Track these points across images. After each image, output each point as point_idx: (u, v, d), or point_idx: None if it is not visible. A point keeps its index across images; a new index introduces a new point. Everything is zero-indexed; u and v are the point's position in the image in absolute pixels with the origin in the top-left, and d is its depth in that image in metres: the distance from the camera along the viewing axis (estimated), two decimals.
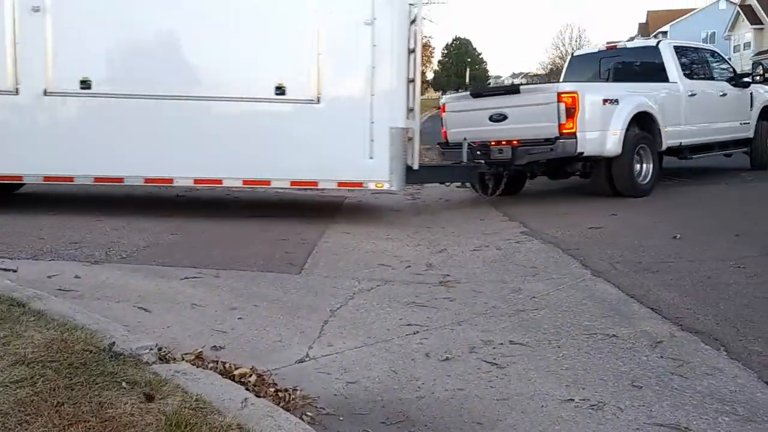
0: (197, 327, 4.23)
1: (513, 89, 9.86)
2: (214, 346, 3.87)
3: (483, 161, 9.27)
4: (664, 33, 53.63)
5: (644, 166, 9.68)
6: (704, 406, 3.09)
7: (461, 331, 4.23)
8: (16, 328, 3.42)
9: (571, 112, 8.75)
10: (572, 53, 14.42)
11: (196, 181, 8.09)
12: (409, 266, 6.07)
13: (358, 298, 4.99)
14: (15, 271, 5.24)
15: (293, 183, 8.13)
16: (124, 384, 2.82)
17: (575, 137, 8.77)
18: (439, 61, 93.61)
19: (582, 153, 8.92)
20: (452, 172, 9.65)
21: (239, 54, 7.70)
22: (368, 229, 8.02)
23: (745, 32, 44.35)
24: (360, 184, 8.06)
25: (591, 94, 9.13)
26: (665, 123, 9.81)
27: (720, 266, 5.55)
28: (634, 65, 11.05)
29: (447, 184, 11.23)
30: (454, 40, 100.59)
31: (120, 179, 8.01)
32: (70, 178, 8.00)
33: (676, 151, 10.56)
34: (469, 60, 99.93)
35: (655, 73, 10.50)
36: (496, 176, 9.73)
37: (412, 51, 7.87)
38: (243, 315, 4.50)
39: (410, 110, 7.99)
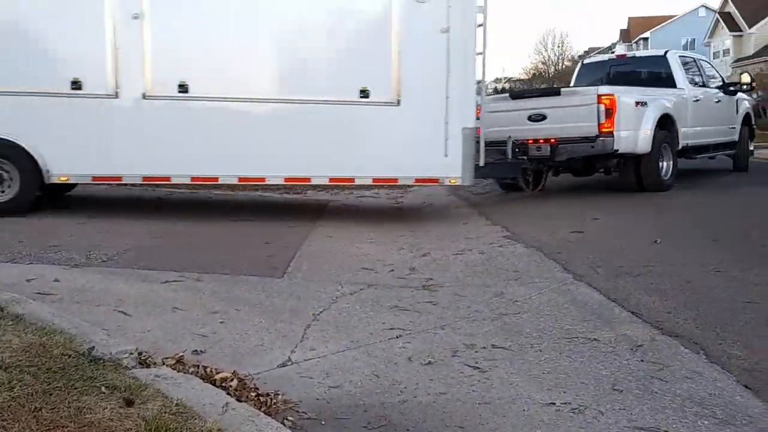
0: (178, 331, 4.20)
1: (553, 91, 10.75)
2: (195, 350, 3.85)
3: (525, 158, 10.05)
4: (645, 39, 54.19)
5: (666, 163, 10.64)
6: (684, 410, 3.11)
7: (444, 335, 4.24)
8: None
9: (609, 113, 9.64)
10: (581, 61, 15.02)
11: (286, 179, 8.60)
12: (393, 270, 6.07)
13: (341, 302, 4.98)
14: None
15: (375, 180, 8.77)
16: (103, 389, 2.79)
17: (613, 136, 9.66)
18: None
19: (617, 150, 9.81)
20: (503, 168, 9.95)
21: (328, 59, 8.22)
22: (352, 233, 8.01)
23: (725, 39, 44.89)
24: (436, 180, 8.62)
25: (625, 97, 9.98)
26: (679, 125, 10.81)
27: (700, 270, 5.61)
28: (643, 73, 11.69)
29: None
30: None
31: (215, 178, 8.49)
32: (167, 178, 8.47)
33: (683, 151, 11.28)
34: None
35: (664, 80, 11.35)
36: (535, 172, 10.68)
37: (479, 54, 8.40)
38: (225, 319, 4.48)
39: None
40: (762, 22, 41.63)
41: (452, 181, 8.41)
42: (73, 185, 8.72)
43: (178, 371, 3.32)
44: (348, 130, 8.26)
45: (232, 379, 3.34)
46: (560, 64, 57.39)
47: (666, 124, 10.45)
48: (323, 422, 3.05)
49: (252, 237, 7.61)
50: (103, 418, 2.50)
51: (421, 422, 3.06)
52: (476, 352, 3.90)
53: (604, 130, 9.65)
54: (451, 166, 8.24)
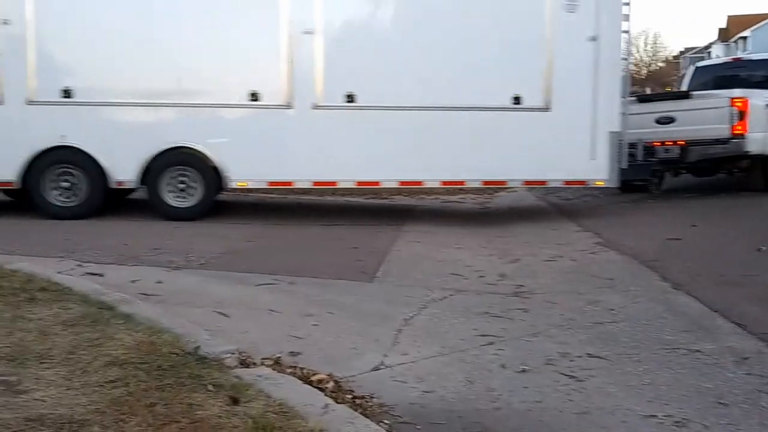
0: (274, 332, 4.32)
1: (683, 95, 10.74)
2: (291, 352, 3.94)
3: (653, 160, 10.25)
4: (744, 38, 51.66)
5: None
6: None
7: (537, 342, 4.19)
8: (107, 330, 3.58)
9: (742, 116, 9.93)
10: (696, 65, 14.87)
11: (443, 183, 9.02)
12: (482, 276, 6.04)
13: (432, 307, 5.00)
14: (102, 275, 5.48)
15: (526, 182, 9.33)
16: (210, 386, 2.91)
17: (745, 137, 9.91)
18: None
19: (749, 152, 10.05)
20: (635, 170, 9.87)
21: (483, 68, 8.64)
22: (439, 238, 8.03)
23: None
24: (584, 182, 9.03)
25: (755, 100, 10.19)
26: None
27: None
28: (758, 76, 11.43)
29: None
30: None
31: (377, 183, 9.08)
32: (334, 183, 9.00)
33: None
34: None
35: None
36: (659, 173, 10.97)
37: (623, 59, 8.87)
38: (318, 322, 4.57)
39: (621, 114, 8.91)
40: None
41: (599, 182, 8.89)
42: (132, 190, 9.08)
43: (277, 372, 3.41)
44: (500, 136, 8.71)
45: (328, 381, 3.41)
46: (653, 65, 55.44)
47: None
48: (419, 426, 3.07)
49: (341, 241, 7.74)
50: (212, 415, 2.61)
51: (518, 430, 3.04)
52: (571, 360, 3.84)
53: (736, 132, 9.91)
54: (598, 168, 8.72)
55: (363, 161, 8.59)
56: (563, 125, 8.64)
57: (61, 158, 8.27)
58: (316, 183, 8.82)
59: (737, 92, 10.25)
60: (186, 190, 8.53)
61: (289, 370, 3.56)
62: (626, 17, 8.64)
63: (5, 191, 9.10)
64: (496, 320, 4.66)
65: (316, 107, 8.47)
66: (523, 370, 3.70)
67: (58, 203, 8.34)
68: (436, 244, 7.61)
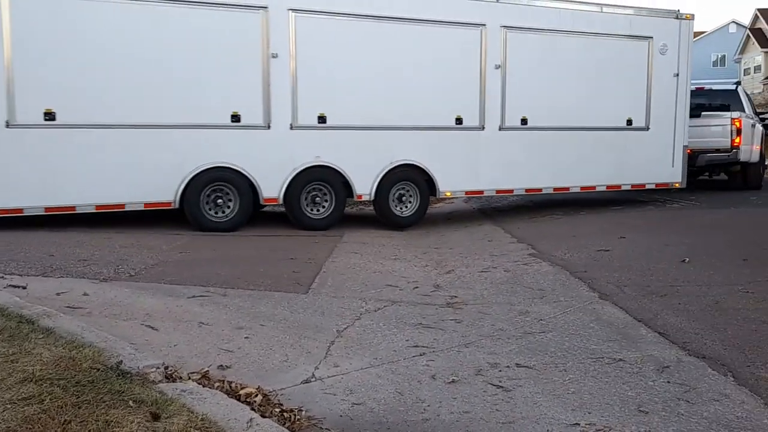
0: (204, 346, 4.24)
1: (693, 114, 12.65)
2: (221, 365, 3.88)
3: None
4: None
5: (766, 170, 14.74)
6: None
7: (468, 353, 4.23)
8: (25, 345, 3.45)
9: (738, 132, 13.26)
10: None
11: (582, 188, 11.25)
12: (417, 287, 6.07)
13: (365, 318, 5.00)
14: (24, 288, 5.29)
15: (633, 186, 11.72)
16: (130, 402, 2.83)
17: (739, 149, 13.28)
18: None
19: (740, 159, 13.41)
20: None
21: (607, 98, 11.28)
22: (376, 249, 8.04)
23: (756, 55, 44.34)
24: (667, 185, 11.88)
25: (745, 119, 13.51)
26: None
27: (728, 291, 5.53)
28: (714, 103, 13.74)
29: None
30: None
31: (539, 190, 10.98)
32: (511, 191, 10.87)
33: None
34: None
35: (735, 108, 13.78)
36: None
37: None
38: (250, 334, 4.52)
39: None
40: None
41: (676, 185, 11.84)
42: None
43: (204, 386, 3.35)
44: (618, 150, 11.38)
45: (256, 395, 3.36)
46: None
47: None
48: None
49: (277, 252, 7.67)
50: None
51: None
52: (500, 371, 3.89)
53: (734, 144, 13.23)
54: (675, 174, 11.81)
55: (531, 173, 10.71)
56: (656, 141, 11.64)
57: (316, 176, 9.44)
58: (498, 191, 10.74)
59: (735, 114, 13.35)
60: (404, 201, 10.08)
61: (217, 384, 3.51)
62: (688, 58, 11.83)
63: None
64: (428, 331, 4.69)
65: (501, 129, 10.46)
66: (453, 381, 3.73)
67: (309, 214, 9.53)
68: (373, 255, 7.61)
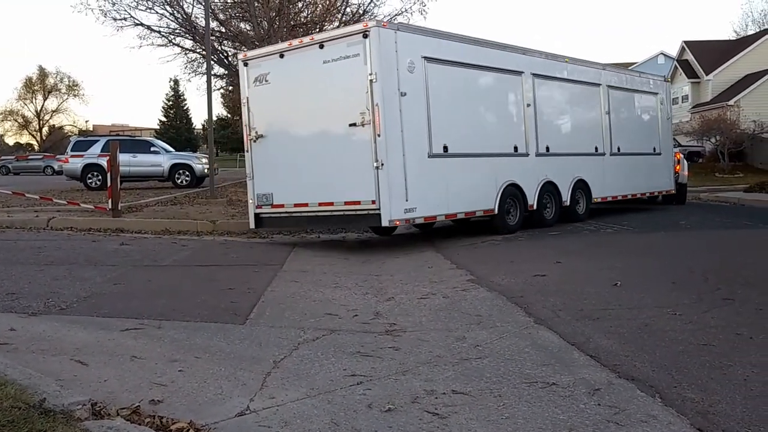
0: (136, 380, 4.13)
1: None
2: (153, 400, 3.78)
3: None
4: None
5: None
6: None
7: (405, 380, 4.24)
8: None
9: (679, 161, 18.12)
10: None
11: (622, 196, 15.59)
12: (356, 315, 6.07)
13: (303, 348, 4.96)
14: None
15: (650, 194, 16.81)
16: None
17: (679, 174, 18.06)
18: None
19: (680, 182, 18.12)
20: None
21: (640, 134, 16.55)
22: (317, 278, 8.01)
23: (683, 85, 46.26)
24: (670, 191, 17.60)
25: (681, 151, 20.63)
26: None
27: (658, 313, 5.70)
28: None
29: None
30: None
31: (616, 197, 15.32)
32: (606, 198, 14.97)
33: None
34: None
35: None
36: None
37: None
38: (184, 367, 4.42)
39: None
40: (718, 70, 43.04)
41: (671, 192, 17.41)
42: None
43: (133, 422, 3.27)
44: (646, 169, 16.54)
45: (188, 430, 3.30)
46: None
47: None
48: None
49: (215, 282, 7.57)
50: None
51: None
52: (436, 398, 3.90)
53: (676, 170, 17.85)
54: (671, 185, 17.49)
55: (618, 185, 15.29)
56: (664, 163, 17.40)
57: (547, 188, 13.03)
58: (605, 198, 14.86)
59: (676, 149, 19.72)
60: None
61: (147, 420, 3.42)
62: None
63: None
64: (366, 359, 4.68)
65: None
66: (389, 410, 3.72)
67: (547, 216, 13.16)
68: (313, 284, 7.58)
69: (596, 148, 14.55)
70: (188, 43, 18.71)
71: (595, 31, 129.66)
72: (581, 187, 13.83)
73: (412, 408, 3.76)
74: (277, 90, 10.89)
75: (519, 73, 12.58)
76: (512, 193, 12.08)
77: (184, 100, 72.90)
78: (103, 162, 17.21)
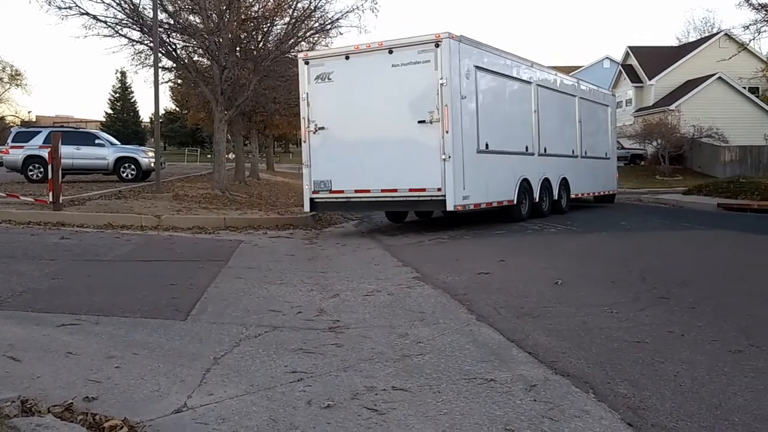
0: (70, 377, 4.04)
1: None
2: (87, 397, 3.70)
3: None
4: None
5: None
6: None
7: (346, 377, 4.24)
8: None
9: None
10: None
11: (578, 195, 17.57)
12: (300, 312, 6.05)
13: (244, 345, 4.92)
14: None
15: (605, 192, 19.61)
16: None
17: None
18: None
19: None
20: None
21: (595, 139, 18.78)
22: (262, 274, 7.95)
23: (627, 90, 47.42)
24: (613, 191, 20.69)
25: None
26: None
27: (595, 311, 5.84)
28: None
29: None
30: None
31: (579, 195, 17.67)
32: (578, 196, 17.50)
33: None
34: None
35: None
36: None
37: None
38: (121, 364, 4.34)
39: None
40: (660, 75, 44.27)
41: (615, 192, 20.48)
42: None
43: (65, 419, 3.19)
44: (599, 171, 18.89)
45: (121, 427, 3.24)
46: None
47: None
48: None
49: (158, 278, 7.44)
50: None
51: None
52: (376, 394, 3.93)
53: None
54: (615, 186, 20.32)
55: (582, 185, 17.53)
56: (612, 166, 20.14)
57: (545, 184, 15.07)
58: (579, 194, 17.44)
59: (618, 152, 26.48)
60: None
61: (80, 417, 3.35)
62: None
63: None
64: (308, 356, 4.67)
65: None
66: (329, 406, 3.73)
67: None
68: (258, 280, 7.52)
69: (573, 151, 16.94)
70: (135, 35, 18.22)
71: (542, 34, 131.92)
72: (564, 184, 16.01)
73: (351, 404, 3.77)
74: (341, 87, 12.25)
75: (529, 83, 14.67)
76: (524, 187, 13.98)
77: (132, 92, 71.39)
78: (45, 154, 16.72)
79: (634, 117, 44.72)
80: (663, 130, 36.69)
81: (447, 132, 11.35)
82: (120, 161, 22.57)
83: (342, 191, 12.28)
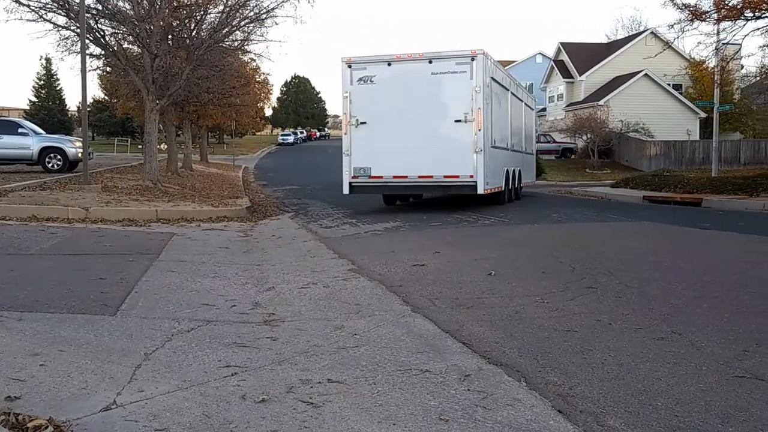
0: None
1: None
2: (9, 397, 3.57)
3: None
4: None
5: None
6: None
7: (281, 370, 4.21)
8: None
9: None
10: None
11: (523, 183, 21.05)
12: (235, 305, 5.97)
13: (177, 339, 4.83)
14: None
15: (530, 183, 23.18)
16: None
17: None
18: (278, 98, 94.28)
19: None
20: None
21: (523, 135, 21.02)
22: (195, 267, 7.80)
23: (559, 85, 48.59)
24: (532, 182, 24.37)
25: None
26: None
27: (527, 301, 5.98)
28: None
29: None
30: (293, 78, 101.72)
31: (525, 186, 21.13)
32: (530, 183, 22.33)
33: None
34: (307, 98, 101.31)
35: None
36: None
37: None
38: (46, 361, 4.19)
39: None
40: (590, 71, 45.53)
41: (533, 183, 23.76)
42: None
43: None
44: (529, 164, 22.54)
45: (46, 427, 3.13)
46: None
47: None
48: None
49: (86, 272, 7.21)
50: None
51: None
52: (311, 387, 3.91)
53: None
54: (534, 178, 24.01)
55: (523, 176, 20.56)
56: (534, 160, 23.86)
57: (513, 174, 18.07)
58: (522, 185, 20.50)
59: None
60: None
61: (1, 417, 3.22)
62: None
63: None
64: (243, 350, 4.62)
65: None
66: (263, 400, 3.69)
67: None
68: (191, 274, 7.38)
69: (523, 147, 20.37)
70: (61, 20, 17.47)
71: (477, 28, 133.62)
72: (519, 175, 19.08)
73: (286, 398, 3.75)
74: (382, 89, 14.43)
75: (508, 90, 17.68)
76: (507, 176, 17.03)
77: (57, 80, 68.62)
78: None
79: (565, 111, 45.86)
80: (592, 125, 37.77)
81: (480, 130, 13.98)
82: (45, 151, 21.69)
83: (381, 176, 14.50)
